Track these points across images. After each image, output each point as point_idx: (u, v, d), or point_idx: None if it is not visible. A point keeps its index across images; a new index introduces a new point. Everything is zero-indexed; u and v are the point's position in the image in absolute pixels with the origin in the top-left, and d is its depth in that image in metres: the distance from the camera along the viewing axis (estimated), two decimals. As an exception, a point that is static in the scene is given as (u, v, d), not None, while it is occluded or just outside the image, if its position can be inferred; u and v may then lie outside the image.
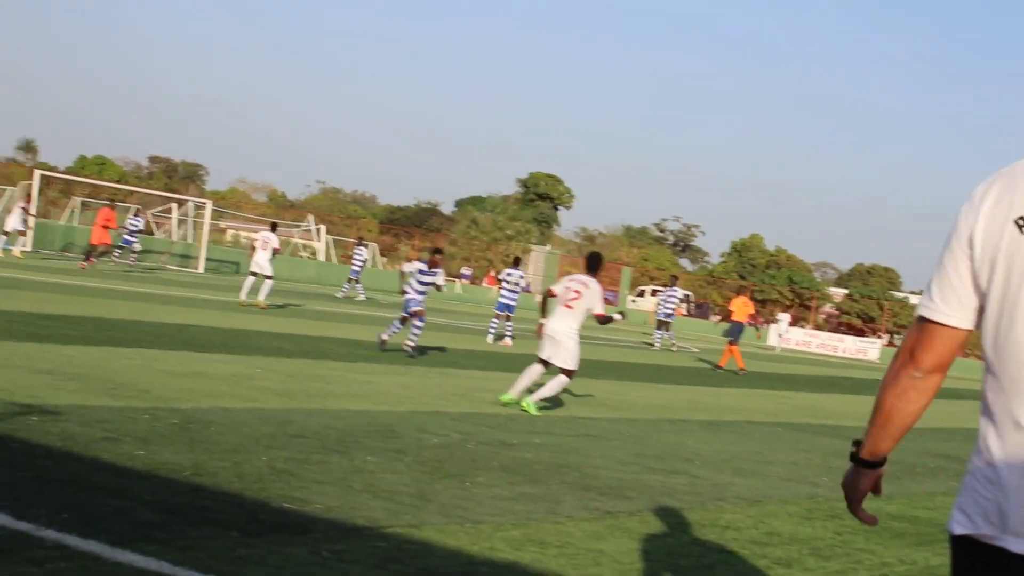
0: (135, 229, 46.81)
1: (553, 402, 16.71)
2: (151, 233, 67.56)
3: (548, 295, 16.43)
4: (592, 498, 9.78)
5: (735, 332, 32.58)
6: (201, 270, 53.29)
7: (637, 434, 14.86)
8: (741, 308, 33.08)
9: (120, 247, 46.96)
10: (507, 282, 29.94)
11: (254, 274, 30.36)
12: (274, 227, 32.47)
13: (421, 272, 21.96)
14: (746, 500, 10.88)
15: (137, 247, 47.70)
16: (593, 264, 16.46)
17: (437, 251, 22.68)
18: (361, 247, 47.61)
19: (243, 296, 29.89)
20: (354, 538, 7.24)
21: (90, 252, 41.01)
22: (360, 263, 46.86)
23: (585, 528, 8.49)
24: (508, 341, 29.25)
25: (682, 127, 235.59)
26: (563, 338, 15.73)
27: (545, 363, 15.83)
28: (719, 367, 32.48)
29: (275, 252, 30.74)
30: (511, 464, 10.94)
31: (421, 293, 21.91)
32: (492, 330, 29.93)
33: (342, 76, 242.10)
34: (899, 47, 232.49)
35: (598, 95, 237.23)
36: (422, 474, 9.70)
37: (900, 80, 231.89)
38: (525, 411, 15.31)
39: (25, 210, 41.97)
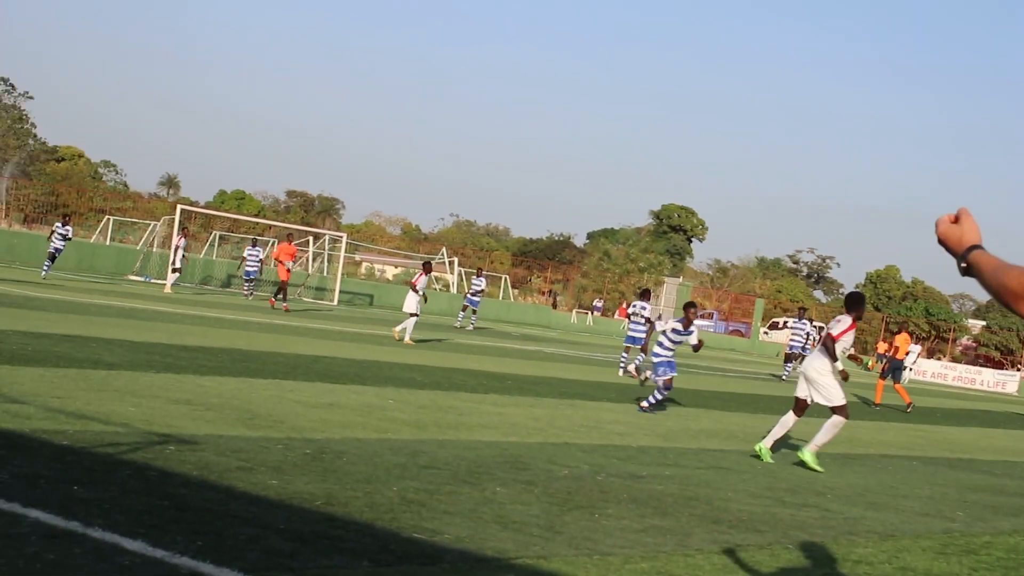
0: (255, 259, 47.24)
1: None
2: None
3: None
4: (722, 531, 9.72)
5: (897, 369, 32.34)
6: (335, 302, 53.92)
7: (769, 467, 14.73)
8: (904, 345, 32.85)
9: (247, 280, 47.50)
10: (633, 315, 29.57)
11: (413, 315, 30.56)
12: (427, 267, 32.43)
13: (675, 332, 20.03)
14: (879, 534, 10.73)
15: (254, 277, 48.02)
16: (849, 302, 16.05)
17: (691, 305, 20.44)
18: (480, 278, 47.51)
19: (407, 338, 30.16)
20: (483, 569, 7.28)
21: (283, 292, 40.52)
22: (478, 293, 46.77)
23: (715, 561, 8.44)
24: (633, 371, 28.97)
25: (815, 158, 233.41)
26: (814, 375, 15.44)
27: (800, 409, 15.60)
28: (909, 407, 31.57)
29: (412, 288, 30.89)
30: (640, 496, 10.92)
31: (670, 350, 20.04)
32: (622, 363, 29.75)
33: (474, 110, 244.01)
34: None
35: (731, 126, 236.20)
36: (551, 506, 9.72)
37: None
38: (806, 467, 15.02)
39: (178, 247, 42.33)
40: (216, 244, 66.71)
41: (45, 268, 39.46)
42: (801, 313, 41.66)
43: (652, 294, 30.89)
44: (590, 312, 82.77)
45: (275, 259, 41.32)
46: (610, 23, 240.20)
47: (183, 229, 44.22)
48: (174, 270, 41.78)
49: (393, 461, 10.85)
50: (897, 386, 32.03)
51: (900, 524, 11.57)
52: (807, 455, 15.11)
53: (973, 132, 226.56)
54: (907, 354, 34.06)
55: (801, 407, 15.60)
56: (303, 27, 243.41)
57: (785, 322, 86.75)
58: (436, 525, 8.27)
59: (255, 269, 47.21)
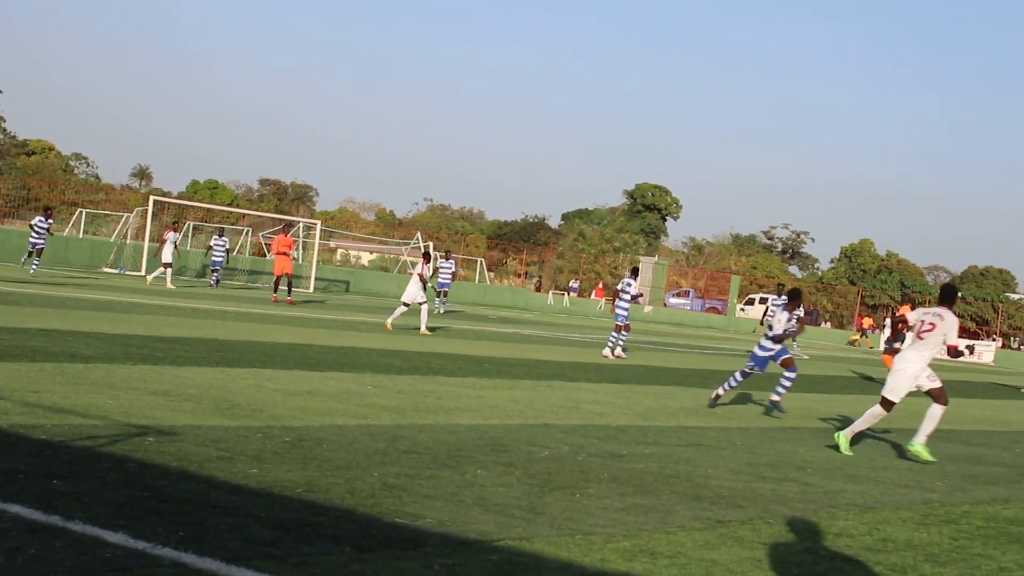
0: (222, 249, 46.98)
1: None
2: (264, 255, 68.44)
3: (902, 322, 16.18)
4: (703, 508, 9.75)
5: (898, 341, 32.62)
6: (311, 289, 53.78)
7: (748, 442, 14.77)
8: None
9: (215, 269, 47.16)
10: (621, 291, 29.57)
11: (406, 304, 30.21)
12: (427, 256, 32.23)
13: (788, 320, 18.61)
14: (859, 507, 10.78)
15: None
16: (946, 296, 15.90)
17: (797, 294, 18.90)
18: (449, 261, 47.13)
19: (388, 321, 29.93)
20: (465, 551, 7.28)
21: (279, 284, 39.54)
22: (448, 276, 46.43)
23: (696, 538, 8.46)
24: (607, 352, 28.87)
25: (789, 135, 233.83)
26: (906, 365, 15.34)
27: (936, 397, 15.35)
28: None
29: (420, 278, 30.56)
30: (621, 475, 10.93)
31: (779, 341, 18.84)
32: (610, 343, 29.61)
33: (447, 95, 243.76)
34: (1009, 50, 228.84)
35: (704, 104, 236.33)
36: (532, 487, 9.73)
37: (1010, 78, 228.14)
38: (838, 449, 14.89)
39: (165, 240, 42.25)
40: (190, 235, 66.53)
41: (34, 265, 38.93)
42: (780, 290, 41.61)
43: (637, 272, 30.84)
44: (566, 293, 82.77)
45: (275, 253, 40.79)
46: (582, 6, 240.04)
47: (173, 224, 44.17)
48: (166, 265, 41.66)
49: (373, 447, 10.85)
50: (887, 358, 32.18)
51: (880, 496, 11.62)
52: (917, 447, 15.05)
53: (947, 107, 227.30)
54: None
55: (934, 395, 15.37)
56: (273, 16, 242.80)
57: (764, 299, 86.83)
58: (417, 509, 8.27)
59: (221, 259, 47.00)
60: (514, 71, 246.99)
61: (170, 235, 42.30)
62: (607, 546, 7.85)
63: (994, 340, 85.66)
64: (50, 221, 40.54)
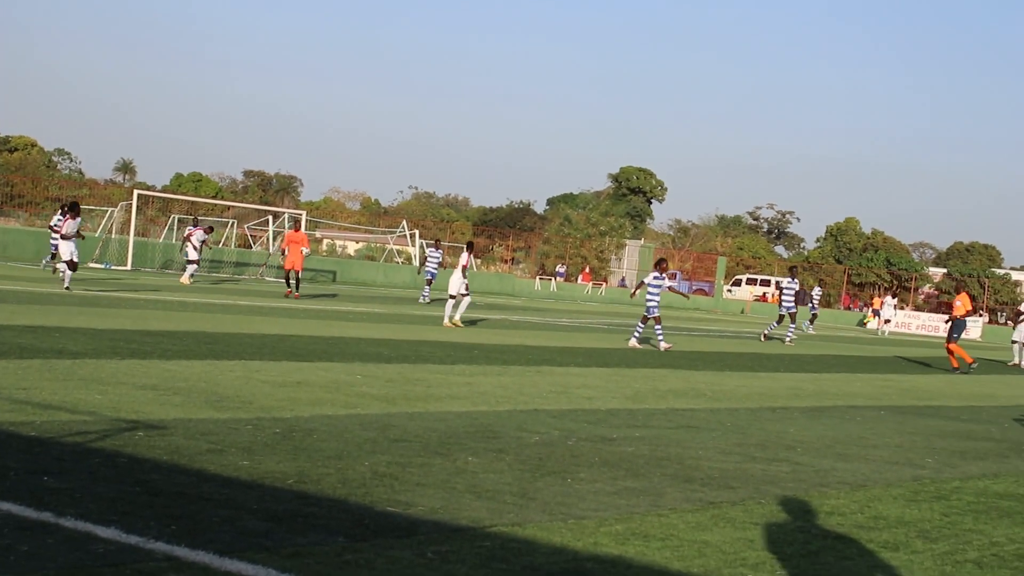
0: (201, 242, 46.83)
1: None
2: (250, 246, 68.39)
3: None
4: (695, 489, 9.76)
5: (959, 329, 32.65)
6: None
7: (738, 423, 14.79)
8: (964, 304, 33.31)
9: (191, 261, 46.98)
10: (650, 285, 29.28)
11: (452, 296, 30.17)
12: (470, 246, 32.14)
13: None
14: (850, 485, 10.80)
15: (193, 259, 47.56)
16: None
17: None
18: (436, 250, 46.65)
19: (446, 320, 29.83)
20: (458, 538, 7.29)
21: (291, 279, 39.01)
22: (435, 265, 45.97)
23: (689, 519, 8.48)
24: (663, 345, 28.48)
25: (772, 114, 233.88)
26: None
27: None
28: (956, 368, 31.88)
29: (463, 268, 30.55)
30: (612, 459, 10.94)
31: None
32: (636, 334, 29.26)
33: (429, 82, 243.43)
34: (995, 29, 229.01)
35: (686, 85, 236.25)
36: (524, 473, 9.73)
37: (992, 55, 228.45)
38: None
39: (187, 239, 42.54)
40: (175, 228, 66.41)
41: (48, 261, 38.68)
42: (792, 273, 41.35)
43: (665, 264, 30.32)
44: (553, 278, 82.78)
45: (283, 248, 40.69)
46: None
47: (208, 227, 44.66)
48: (189, 262, 42.01)
49: (364, 436, 10.84)
50: (956, 345, 32.26)
51: (870, 474, 11.65)
52: None
53: (929, 84, 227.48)
54: (968, 313, 34.41)
55: None
56: (254, 8, 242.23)
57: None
58: (409, 498, 8.27)
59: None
60: (496, 57, 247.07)
61: (197, 233, 42.74)
62: (599, 530, 7.86)
63: (981, 315, 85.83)
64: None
